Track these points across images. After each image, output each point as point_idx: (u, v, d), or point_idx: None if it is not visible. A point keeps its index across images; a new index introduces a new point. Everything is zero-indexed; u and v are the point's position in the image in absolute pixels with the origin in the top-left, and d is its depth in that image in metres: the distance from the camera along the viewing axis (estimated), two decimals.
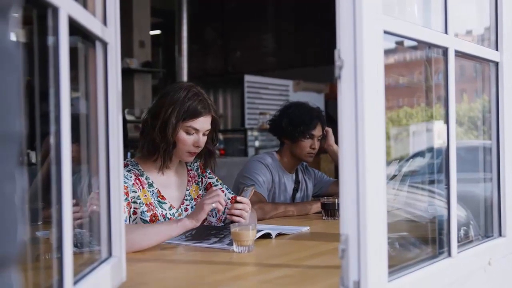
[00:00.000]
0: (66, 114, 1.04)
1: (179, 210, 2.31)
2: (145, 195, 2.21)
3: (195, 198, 2.38)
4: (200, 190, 2.42)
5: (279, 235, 2.21)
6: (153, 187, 2.25)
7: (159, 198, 2.25)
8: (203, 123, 2.25)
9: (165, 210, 2.25)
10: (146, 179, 2.25)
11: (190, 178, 2.41)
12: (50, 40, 1.03)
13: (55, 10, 1.01)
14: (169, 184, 2.32)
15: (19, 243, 0.58)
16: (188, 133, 2.22)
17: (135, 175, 2.20)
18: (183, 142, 2.23)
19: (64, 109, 1.03)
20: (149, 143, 2.23)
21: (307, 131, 3.01)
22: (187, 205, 2.35)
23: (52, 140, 1.02)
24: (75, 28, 1.14)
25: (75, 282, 1.11)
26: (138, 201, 2.17)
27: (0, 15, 0.55)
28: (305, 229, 2.38)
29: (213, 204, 2.01)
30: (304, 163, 3.23)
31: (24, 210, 0.58)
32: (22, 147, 0.60)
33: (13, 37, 0.58)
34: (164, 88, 2.34)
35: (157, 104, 2.26)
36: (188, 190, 2.38)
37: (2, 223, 0.55)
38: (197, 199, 2.38)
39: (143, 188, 2.21)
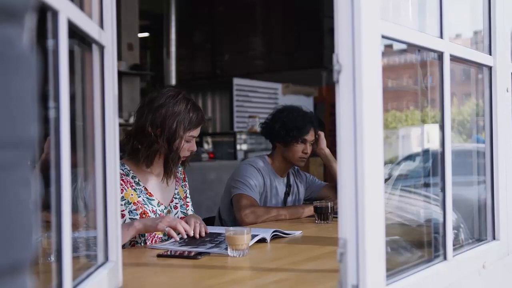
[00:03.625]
0: (65, 118, 1.03)
1: (168, 207, 2.39)
2: (131, 194, 2.27)
3: (183, 198, 2.49)
4: (184, 193, 2.53)
5: (274, 237, 2.22)
6: (140, 185, 2.32)
7: (147, 195, 2.32)
8: (199, 130, 2.38)
9: (154, 206, 2.32)
10: (132, 178, 2.31)
11: (177, 179, 2.50)
12: (50, 43, 1.03)
13: (55, 14, 1.00)
14: (158, 184, 2.39)
15: (34, 248, 0.58)
16: (187, 141, 2.34)
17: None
18: (182, 150, 2.33)
19: (63, 112, 1.02)
20: (153, 153, 2.29)
21: (300, 136, 3.02)
22: (176, 203, 2.44)
23: (52, 143, 1.02)
24: (73, 31, 1.13)
25: (73, 287, 1.10)
26: (123, 201, 2.22)
27: (15, 20, 0.54)
28: (298, 233, 2.38)
29: (166, 228, 2.07)
30: (296, 167, 3.23)
31: (38, 215, 0.58)
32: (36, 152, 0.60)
33: (27, 41, 0.57)
34: (155, 96, 2.33)
35: (155, 114, 2.27)
36: (176, 189, 2.47)
37: (19, 228, 0.55)
38: (184, 200, 2.50)
39: (128, 188, 2.27)
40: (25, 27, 0.57)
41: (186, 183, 2.56)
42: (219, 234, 2.21)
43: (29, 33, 0.58)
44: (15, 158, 0.54)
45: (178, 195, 2.47)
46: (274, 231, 2.23)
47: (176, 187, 2.48)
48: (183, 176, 2.56)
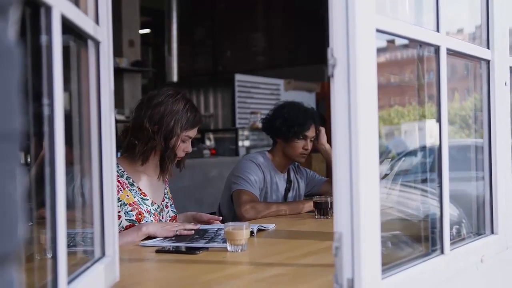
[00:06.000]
0: (59, 114, 1.03)
1: (161, 206, 2.43)
2: (127, 196, 2.29)
3: (171, 197, 2.54)
4: (170, 193, 2.57)
5: (259, 231, 2.27)
6: (134, 186, 2.34)
7: (141, 196, 2.34)
8: (196, 131, 2.41)
9: (148, 206, 2.35)
10: (126, 179, 2.33)
11: (166, 180, 2.54)
12: (43, 39, 1.03)
13: (48, 9, 1.01)
14: (150, 184, 2.42)
15: (20, 241, 0.59)
16: (183, 141, 2.36)
17: None
18: (178, 150, 2.35)
19: (57, 109, 1.02)
20: (149, 150, 2.32)
21: (301, 132, 3.01)
22: (166, 202, 2.49)
23: (45, 140, 1.02)
24: (67, 27, 1.13)
25: (69, 282, 1.11)
26: (119, 203, 2.24)
27: (0, 14, 0.54)
28: (272, 226, 2.42)
29: (177, 232, 2.15)
30: (296, 163, 3.23)
31: (25, 208, 0.59)
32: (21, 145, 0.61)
33: (12, 36, 0.57)
34: (155, 94, 2.36)
35: (154, 111, 2.30)
36: (166, 189, 2.52)
37: (4, 221, 0.55)
38: (172, 199, 2.55)
39: (124, 189, 2.30)
40: (10, 21, 0.57)
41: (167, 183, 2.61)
42: (207, 230, 2.24)
43: (14, 27, 0.59)
44: (1, 151, 0.55)
45: (167, 195, 2.52)
46: (258, 226, 2.29)
47: (166, 187, 2.52)
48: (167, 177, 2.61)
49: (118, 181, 2.27)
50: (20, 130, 0.58)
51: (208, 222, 2.46)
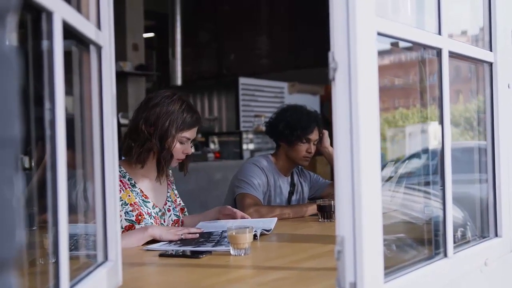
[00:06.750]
0: (61, 119, 1.03)
1: (163, 209, 2.43)
2: (129, 196, 2.30)
3: (174, 201, 2.52)
4: (175, 196, 2.56)
5: (262, 234, 2.25)
6: (136, 187, 2.35)
7: (143, 198, 2.35)
8: (195, 133, 2.40)
9: (150, 208, 2.35)
10: (128, 180, 2.34)
11: (169, 182, 2.54)
12: (44, 44, 1.03)
13: (49, 15, 1.01)
14: (152, 187, 2.42)
15: (18, 247, 0.59)
16: (181, 142, 2.35)
17: None
18: (176, 151, 2.35)
19: (59, 113, 1.03)
20: (146, 152, 2.31)
21: (304, 135, 3.01)
22: (169, 206, 2.48)
23: (47, 145, 1.02)
24: (69, 32, 1.14)
25: (71, 286, 1.11)
26: (120, 202, 2.24)
27: None
28: (274, 220, 2.45)
29: (182, 236, 2.15)
30: (300, 166, 3.23)
31: (23, 214, 0.59)
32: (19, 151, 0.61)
33: (10, 41, 0.58)
34: (152, 96, 2.38)
35: (150, 112, 2.31)
36: (169, 192, 2.51)
37: (2, 226, 0.55)
38: (175, 202, 2.53)
39: (126, 189, 2.31)
40: (8, 27, 0.57)
41: (174, 186, 2.60)
42: (211, 233, 2.23)
43: (12, 33, 0.59)
44: None
45: (170, 198, 2.51)
46: (261, 232, 2.26)
47: (168, 190, 2.52)
48: (172, 179, 2.61)
49: (120, 181, 2.28)
50: (19, 136, 0.58)
51: (233, 217, 2.48)
